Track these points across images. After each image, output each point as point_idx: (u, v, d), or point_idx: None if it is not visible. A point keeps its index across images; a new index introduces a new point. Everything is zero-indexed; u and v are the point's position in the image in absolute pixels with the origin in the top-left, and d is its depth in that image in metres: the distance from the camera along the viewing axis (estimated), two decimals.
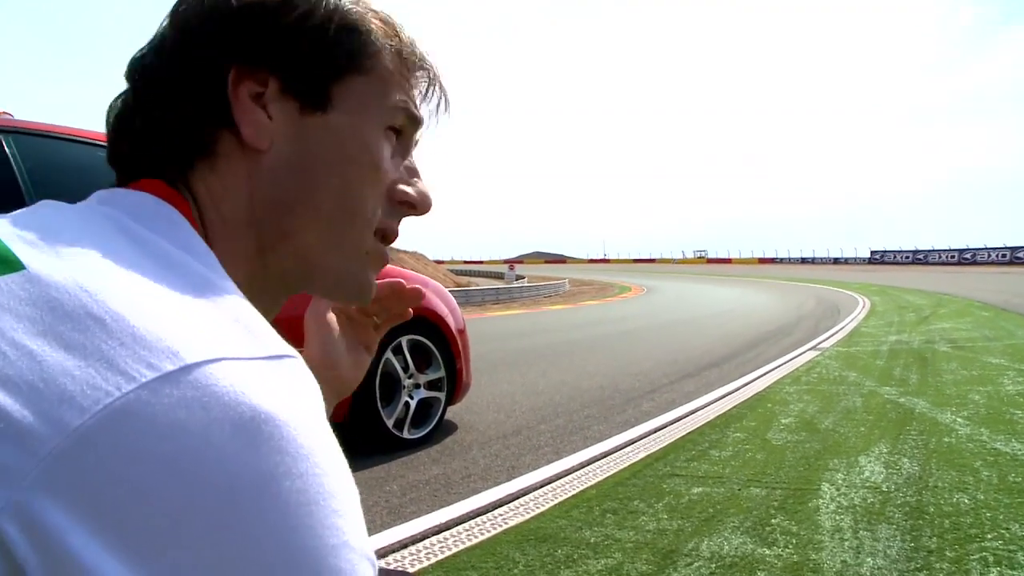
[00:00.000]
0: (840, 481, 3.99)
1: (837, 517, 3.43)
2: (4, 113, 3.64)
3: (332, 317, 0.88)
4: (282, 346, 0.45)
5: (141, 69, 0.61)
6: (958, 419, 5.44)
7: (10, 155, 3.35)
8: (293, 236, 0.61)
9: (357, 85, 0.62)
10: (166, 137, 0.59)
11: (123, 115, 0.61)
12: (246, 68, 0.59)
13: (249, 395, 0.39)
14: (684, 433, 5.28)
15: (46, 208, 0.53)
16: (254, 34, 0.59)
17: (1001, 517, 3.35)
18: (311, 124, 0.60)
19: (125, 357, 0.38)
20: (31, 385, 0.37)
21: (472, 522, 3.48)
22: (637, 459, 4.58)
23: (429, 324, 5.19)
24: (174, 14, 0.61)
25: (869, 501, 3.64)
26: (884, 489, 3.83)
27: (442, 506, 3.72)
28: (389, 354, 4.93)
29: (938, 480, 3.96)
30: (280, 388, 0.41)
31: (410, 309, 0.92)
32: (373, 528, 3.35)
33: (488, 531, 3.35)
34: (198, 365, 0.39)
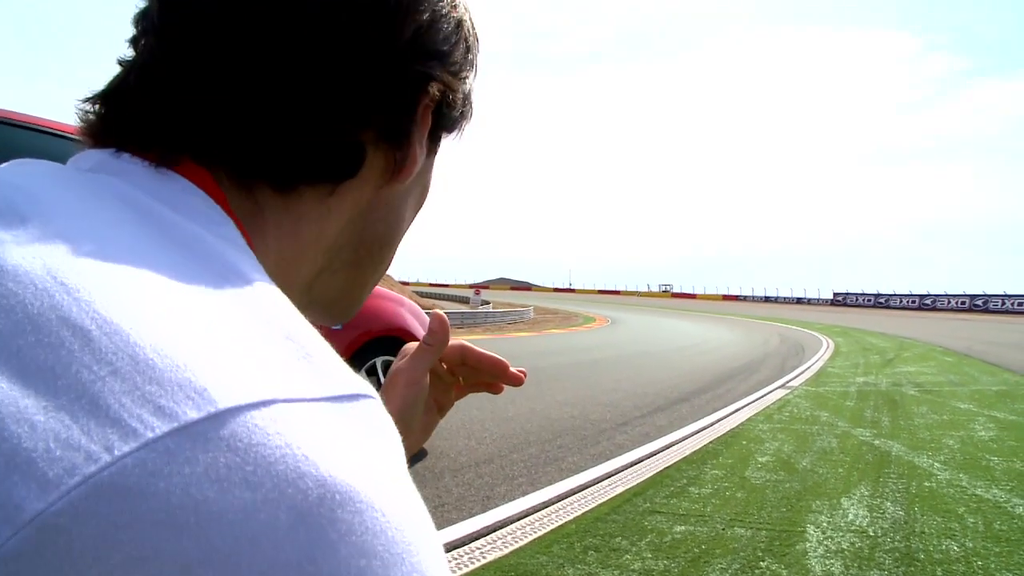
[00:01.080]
0: (825, 524, 3.88)
1: (827, 562, 3.31)
2: None
3: (428, 377, 0.72)
4: (353, 379, 0.31)
5: (245, 22, 0.42)
6: (935, 463, 5.39)
7: None
8: (363, 269, 0.53)
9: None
10: (287, 139, 0.42)
11: (174, 67, 0.42)
12: (442, 87, 0.49)
13: (316, 461, 0.25)
14: (661, 468, 5.15)
15: (19, 166, 0.38)
16: (452, 47, 0.49)
17: (993, 566, 3.27)
18: (427, 165, 0.53)
19: (120, 395, 0.24)
20: None
21: (448, 555, 3.29)
22: (615, 493, 4.44)
23: (402, 344, 5.00)
24: None
25: (857, 546, 3.54)
26: (871, 533, 3.73)
27: None
28: (362, 375, 4.76)
29: (924, 526, 3.87)
30: (358, 448, 0.27)
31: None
32: None
33: (466, 565, 3.17)
34: (238, 411, 0.25)
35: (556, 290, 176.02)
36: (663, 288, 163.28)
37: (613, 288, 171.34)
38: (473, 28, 0.52)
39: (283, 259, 0.45)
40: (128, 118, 0.42)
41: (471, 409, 7.42)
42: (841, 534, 3.71)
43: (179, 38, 0.42)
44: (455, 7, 0.49)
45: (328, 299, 0.53)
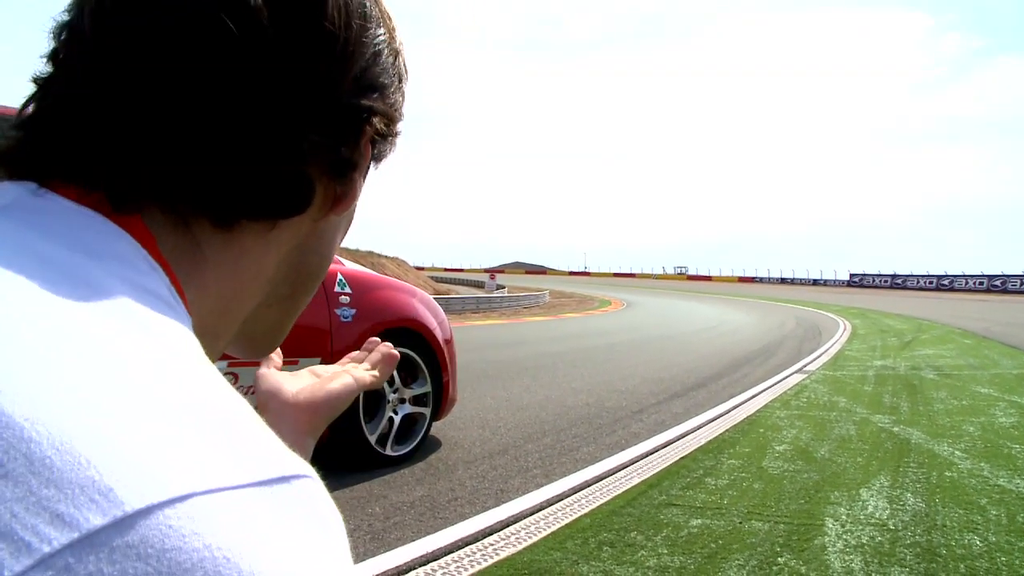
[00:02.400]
0: (844, 516, 3.82)
1: (846, 557, 3.26)
2: None
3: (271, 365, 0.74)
4: (285, 457, 0.27)
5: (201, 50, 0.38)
6: (956, 452, 5.32)
7: None
8: (296, 301, 0.53)
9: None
10: (236, 175, 0.40)
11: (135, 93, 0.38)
12: (384, 120, 0.49)
13: (239, 562, 0.22)
14: (677, 458, 5.10)
15: None
16: (391, 80, 0.49)
17: (1018, 562, 3.20)
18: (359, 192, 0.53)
19: (12, 503, 0.21)
20: None
21: (461, 552, 3.27)
22: (631, 485, 4.40)
23: (415, 335, 4.97)
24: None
25: (877, 540, 3.48)
26: (891, 527, 3.67)
27: (428, 532, 3.50)
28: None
29: (945, 518, 3.81)
30: (289, 539, 0.24)
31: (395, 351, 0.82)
32: (355, 555, 3.12)
33: (479, 563, 3.14)
34: (149, 512, 0.21)
35: (571, 273, 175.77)
36: (679, 271, 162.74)
37: (629, 271, 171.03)
38: (405, 60, 0.52)
39: (224, 297, 0.44)
40: (52, 147, 0.38)
41: (485, 398, 7.41)
42: (861, 528, 3.65)
43: (114, 60, 0.38)
44: (393, 39, 0.50)
45: (259, 333, 0.53)
